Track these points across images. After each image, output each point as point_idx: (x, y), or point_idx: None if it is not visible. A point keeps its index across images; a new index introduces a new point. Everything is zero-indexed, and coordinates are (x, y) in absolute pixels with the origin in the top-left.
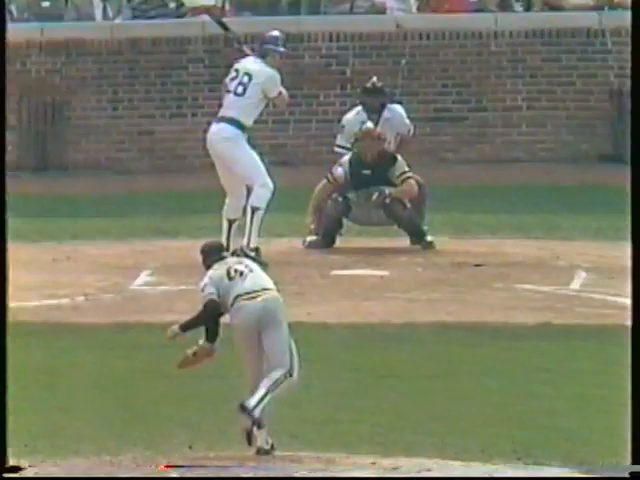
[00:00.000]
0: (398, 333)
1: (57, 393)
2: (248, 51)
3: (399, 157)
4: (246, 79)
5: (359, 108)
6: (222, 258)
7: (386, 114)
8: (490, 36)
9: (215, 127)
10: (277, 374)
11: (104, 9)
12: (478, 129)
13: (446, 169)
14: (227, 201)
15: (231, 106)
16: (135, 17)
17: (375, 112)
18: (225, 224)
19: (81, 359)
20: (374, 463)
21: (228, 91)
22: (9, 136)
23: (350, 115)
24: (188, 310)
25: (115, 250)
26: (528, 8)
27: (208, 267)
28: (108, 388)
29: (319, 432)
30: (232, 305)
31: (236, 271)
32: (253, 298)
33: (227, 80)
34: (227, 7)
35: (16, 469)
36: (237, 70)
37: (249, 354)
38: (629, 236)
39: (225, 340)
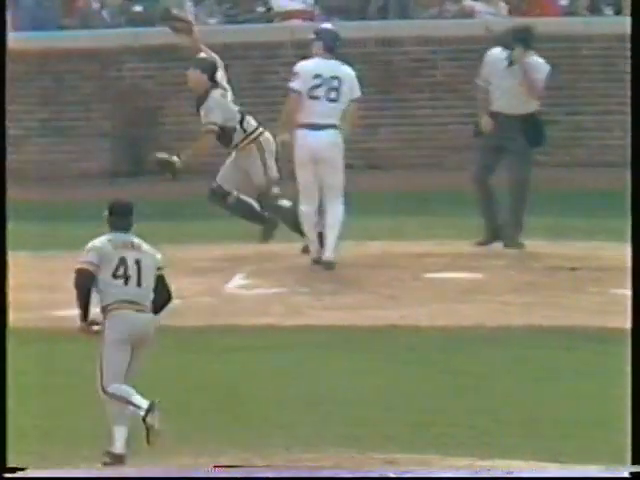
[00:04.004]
0: (492, 336)
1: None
2: None
3: (213, 93)
4: (336, 83)
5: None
6: (127, 228)
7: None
8: (581, 40)
9: (322, 133)
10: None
11: (195, 15)
12: (571, 132)
13: (540, 172)
14: (304, 209)
15: (329, 113)
16: (226, 22)
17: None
18: (314, 234)
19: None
20: (471, 465)
21: (313, 97)
22: (103, 143)
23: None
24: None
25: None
26: (618, 12)
27: (109, 226)
28: None
29: (414, 434)
30: (110, 308)
31: (126, 272)
32: (136, 311)
33: (305, 87)
34: (316, 12)
35: (16, 470)
36: (318, 75)
37: (121, 358)
38: None
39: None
